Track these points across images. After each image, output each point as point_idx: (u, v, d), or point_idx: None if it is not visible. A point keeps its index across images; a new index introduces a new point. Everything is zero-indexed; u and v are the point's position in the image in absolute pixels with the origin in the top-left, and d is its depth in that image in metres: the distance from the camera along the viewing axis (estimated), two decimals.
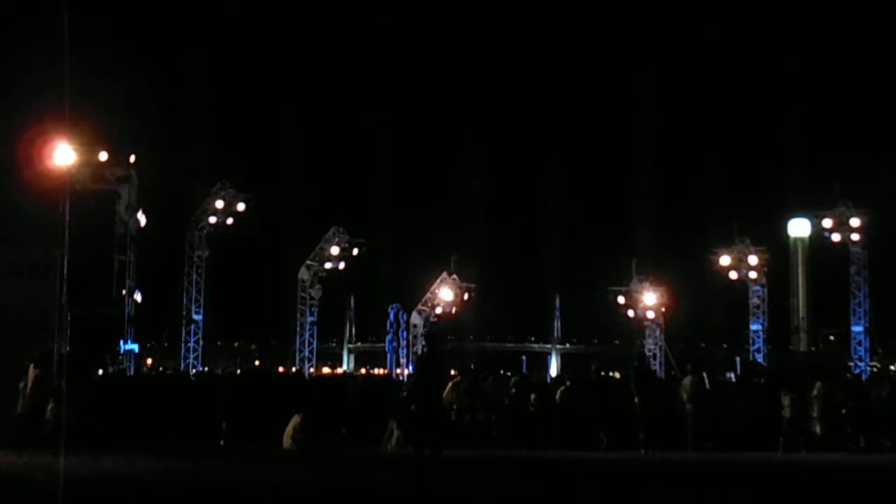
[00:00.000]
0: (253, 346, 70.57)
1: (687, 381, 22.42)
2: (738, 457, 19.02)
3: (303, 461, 15.16)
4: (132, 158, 32.41)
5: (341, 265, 41.43)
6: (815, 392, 22.38)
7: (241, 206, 37.64)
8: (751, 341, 41.73)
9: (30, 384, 20.39)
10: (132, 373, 32.72)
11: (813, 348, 40.11)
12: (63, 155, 29.44)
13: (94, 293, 30.25)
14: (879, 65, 55.69)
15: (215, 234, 38.20)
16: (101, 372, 26.88)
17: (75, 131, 29.68)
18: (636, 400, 20.40)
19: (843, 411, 23.03)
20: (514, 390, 23.77)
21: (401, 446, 20.13)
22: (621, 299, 44.54)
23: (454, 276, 44.20)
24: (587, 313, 56.00)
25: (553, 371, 52.84)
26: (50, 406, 20.42)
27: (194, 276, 38.13)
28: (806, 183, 46.60)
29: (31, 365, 20.53)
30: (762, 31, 57.75)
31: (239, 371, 36.60)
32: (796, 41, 54.55)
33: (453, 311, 44.93)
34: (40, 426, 20.22)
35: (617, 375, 39.65)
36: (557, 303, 59.24)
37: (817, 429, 22.41)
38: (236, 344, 70.84)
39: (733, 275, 41.00)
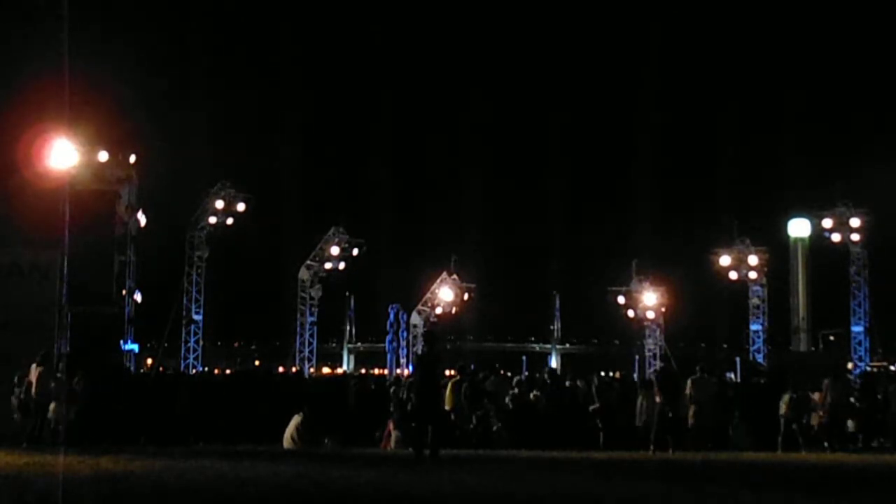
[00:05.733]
0: (253, 347, 70.70)
1: (690, 381, 22.36)
2: (738, 457, 19.02)
3: (303, 461, 15.16)
4: (132, 158, 32.35)
5: (341, 265, 41.44)
6: (823, 389, 22.35)
7: (241, 206, 37.60)
8: (751, 341, 41.72)
9: (34, 383, 20.43)
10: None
11: (813, 348, 40.12)
12: (63, 155, 29.43)
13: (94, 293, 30.19)
14: (879, 66, 55.71)
15: (215, 234, 38.17)
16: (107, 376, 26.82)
17: (75, 131, 29.67)
18: (658, 399, 20.46)
19: (852, 415, 23.07)
20: (516, 390, 23.75)
21: (400, 447, 20.14)
22: (621, 299, 44.51)
23: (454, 276, 44.22)
24: (587, 313, 56.14)
25: None
26: (52, 406, 20.49)
27: (194, 276, 38.12)
28: (806, 183, 46.73)
29: (35, 364, 20.58)
30: (763, 34, 57.80)
31: (230, 371, 36.54)
32: (797, 42, 54.60)
33: (453, 311, 44.94)
34: (42, 425, 20.28)
35: (617, 375, 39.71)
36: (557, 303, 59.38)
37: (819, 424, 22.42)
38: (236, 344, 70.98)
39: (733, 275, 40.98)
